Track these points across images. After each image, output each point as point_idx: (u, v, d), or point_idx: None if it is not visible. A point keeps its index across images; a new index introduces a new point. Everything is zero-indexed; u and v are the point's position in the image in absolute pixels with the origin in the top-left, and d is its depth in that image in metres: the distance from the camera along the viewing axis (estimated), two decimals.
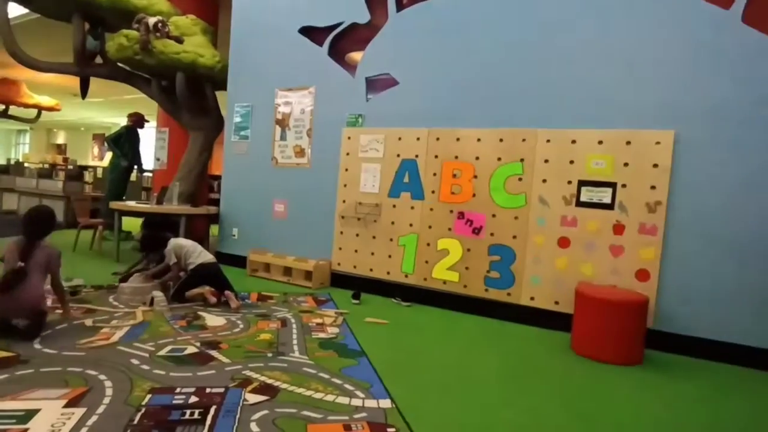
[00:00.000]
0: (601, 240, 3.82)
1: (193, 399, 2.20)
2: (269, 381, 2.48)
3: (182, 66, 5.89)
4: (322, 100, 5.25)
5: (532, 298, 4.08)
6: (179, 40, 5.93)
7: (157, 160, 7.40)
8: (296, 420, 2.08)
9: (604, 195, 3.82)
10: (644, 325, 3.35)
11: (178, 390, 2.28)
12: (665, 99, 3.65)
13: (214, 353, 2.83)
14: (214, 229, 6.47)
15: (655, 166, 3.65)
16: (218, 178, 7.38)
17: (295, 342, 3.17)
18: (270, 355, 2.89)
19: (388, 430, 2.07)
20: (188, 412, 2.07)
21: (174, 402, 2.16)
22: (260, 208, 5.68)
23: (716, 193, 3.50)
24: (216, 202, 6.29)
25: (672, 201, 3.62)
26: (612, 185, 3.79)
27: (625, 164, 3.75)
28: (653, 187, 3.66)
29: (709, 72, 3.52)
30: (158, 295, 3.75)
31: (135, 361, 2.62)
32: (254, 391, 2.35)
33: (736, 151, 3.44)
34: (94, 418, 1.97)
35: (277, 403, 2.24)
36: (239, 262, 5.56)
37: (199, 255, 4.06)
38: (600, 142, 3.84)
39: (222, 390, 2.32)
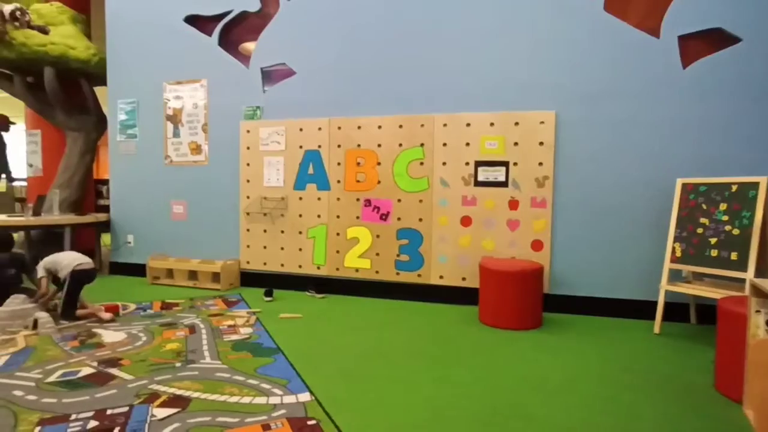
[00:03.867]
0: (499, 216, 4.08)
1: (93, 423, 2.02)
2: (179, 392, 2.35)
3: (50, 59, 5.28)
4: (216, 92, 5.00)
5: (441, 277, 4.26)
6: (44, 31, 5.30)
7: (30, 166, 6.57)
8: (212, 428, 2.00)
9: (499, 173, 4.08)
10: (541, 290, 3.65)
11: (73, 417, 2.08)
12: (546, 82, 3.96)
13: (114, 371, 2.61)
14: (106, 239, 5.93)
15: (541, 144, 3.96)
16: (108, 182, 6.74)
17: (205, 348, 3.03)
18: (178, 365, 2.73)
19: (308, 423, 2.06)
20: None
21: (69, 430, 1.97)
22: (157, 211, 5.31)
23: (590, 165, 3.88)
24: (106, 209, 5.76)
25: (557, 175, 3.96)
26: (505, 164, 4.05)
27: (515, 144, 4.02)
28: (541, 164, 3.97)
29: (582, 57, 3.88)
30: (42, 316, 3.36)
31: (18, 393, 2.34)
32: (163, 404, 2.22)
33: (604, 128, 3.84)
34: None
35: (190, 413, 2.13)
36: (138, 270, 5.17)
37: (74, 260, 3.70)
38: (492, 124, 4.08)
39: (126, 409, 2.16)
